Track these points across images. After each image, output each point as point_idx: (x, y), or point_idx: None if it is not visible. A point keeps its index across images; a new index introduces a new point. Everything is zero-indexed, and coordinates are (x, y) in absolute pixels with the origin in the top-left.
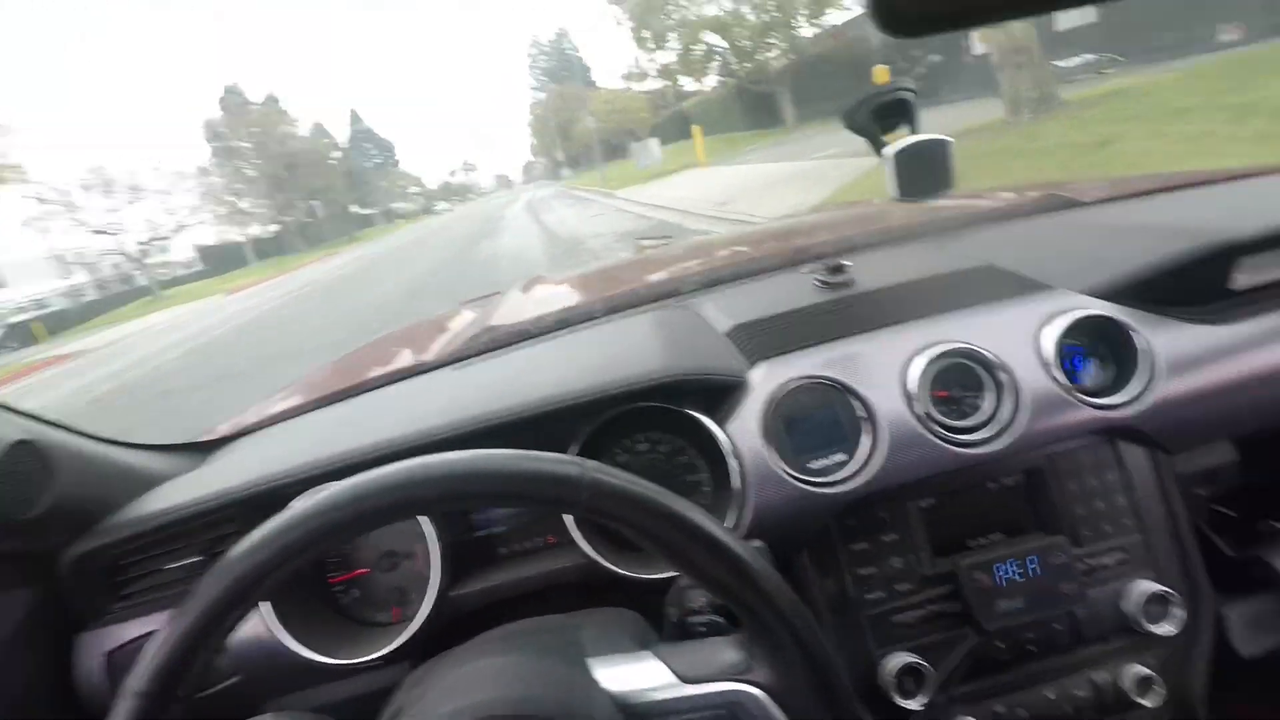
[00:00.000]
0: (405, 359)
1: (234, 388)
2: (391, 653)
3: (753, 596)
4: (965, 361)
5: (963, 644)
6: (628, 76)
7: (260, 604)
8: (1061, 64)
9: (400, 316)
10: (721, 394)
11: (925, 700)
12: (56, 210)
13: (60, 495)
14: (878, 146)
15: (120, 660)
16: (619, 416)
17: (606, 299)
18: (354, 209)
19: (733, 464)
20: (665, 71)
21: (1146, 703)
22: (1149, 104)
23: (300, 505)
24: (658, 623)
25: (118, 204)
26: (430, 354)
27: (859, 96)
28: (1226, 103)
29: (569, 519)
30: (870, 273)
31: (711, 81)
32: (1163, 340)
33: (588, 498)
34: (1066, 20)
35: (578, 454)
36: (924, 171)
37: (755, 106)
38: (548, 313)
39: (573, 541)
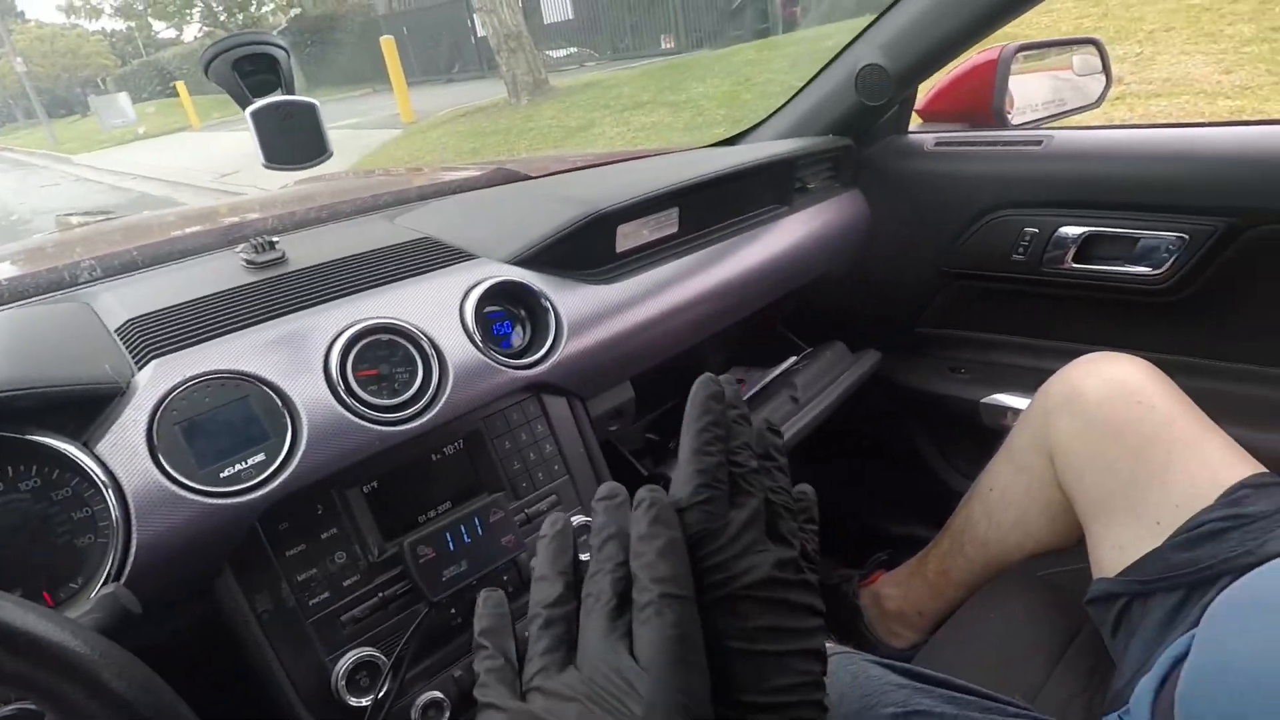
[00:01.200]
0: None
1: None
2: None
3: (52, 678)
4: (392, 337)
5: (413, 622)
6: (71, 10)
7: None
8: (552, 53)
9: None
10: (94, 408)
11: (382, 691)
12: None
13: None
14: (243, 104)
15: None
16: None
17: None
18: None
19: (108, 494)
20: (128, 10)
21: None
22: (616, 94)
23: None
24: None
25: None
26: None
27: (213, 45)
28: (668, 99)
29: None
30: (305, 250)
31: (194, 31)
32: (566, 301)
33: None
34: (550, 15)
35: None
36: (292, 135)
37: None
38: None
39: None
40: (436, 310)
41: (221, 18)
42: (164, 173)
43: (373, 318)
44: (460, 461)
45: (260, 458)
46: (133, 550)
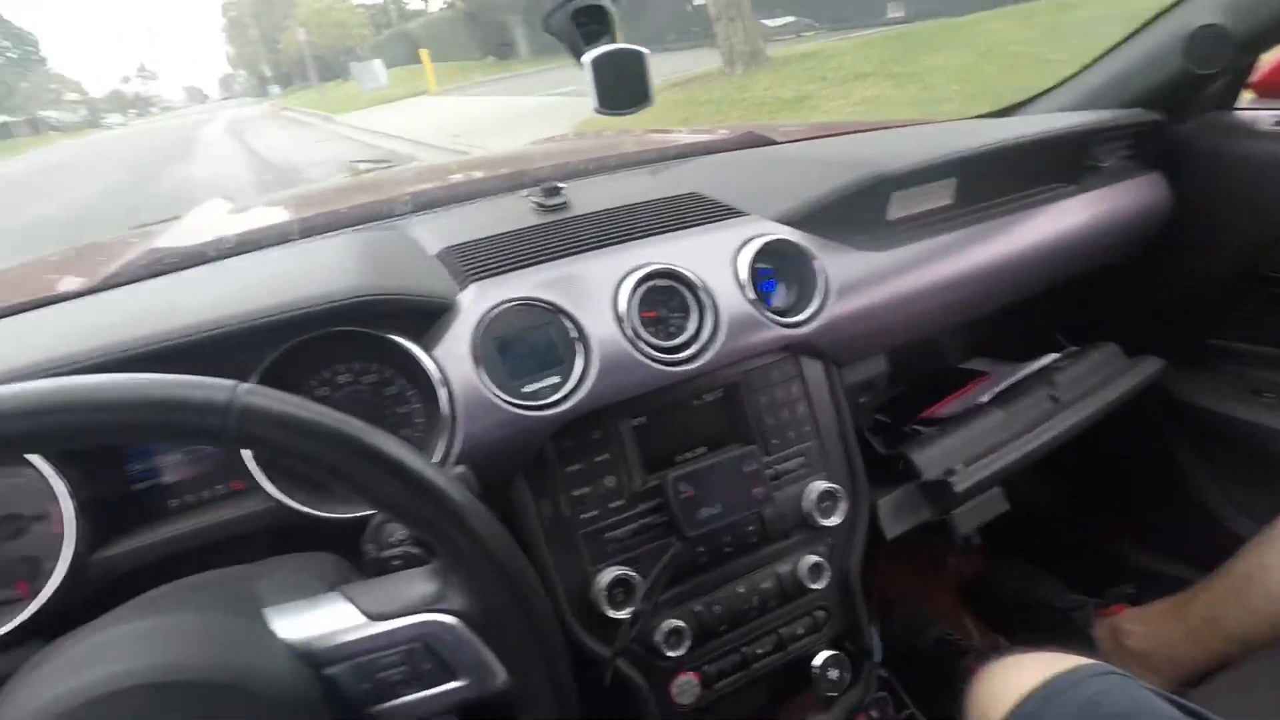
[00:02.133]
0: (53, 283)
1: None
2: (11, 632)
3: (443, 520)
4: (671, 283)
5: (667, 553)
6: None
7: None
8: (769, 23)
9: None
10: (429, 318)
11: (633, 609)
12: None
13: None
14: (577, 53)
15: None
16: (311, 344)
17: (303, 220)
18: None
19: (441, 391)
20: None
21: (817, 585)
22: (835, 65)
23: None
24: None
25: None
26: (85, 279)
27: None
28: (893, 71)
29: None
30: (585, 197)
31: (438, 2)
32: (834, 265)
33: (238, 425)
34: None
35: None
36: (622, 82)
37: (487, 35)
38: (229, 234)
39: (256, 487)
40: (712, 261)
41: None
42: (406, 132)
43: (655, 263)
44: (718, 410)
45: (555, 379)
46: (457, 444)
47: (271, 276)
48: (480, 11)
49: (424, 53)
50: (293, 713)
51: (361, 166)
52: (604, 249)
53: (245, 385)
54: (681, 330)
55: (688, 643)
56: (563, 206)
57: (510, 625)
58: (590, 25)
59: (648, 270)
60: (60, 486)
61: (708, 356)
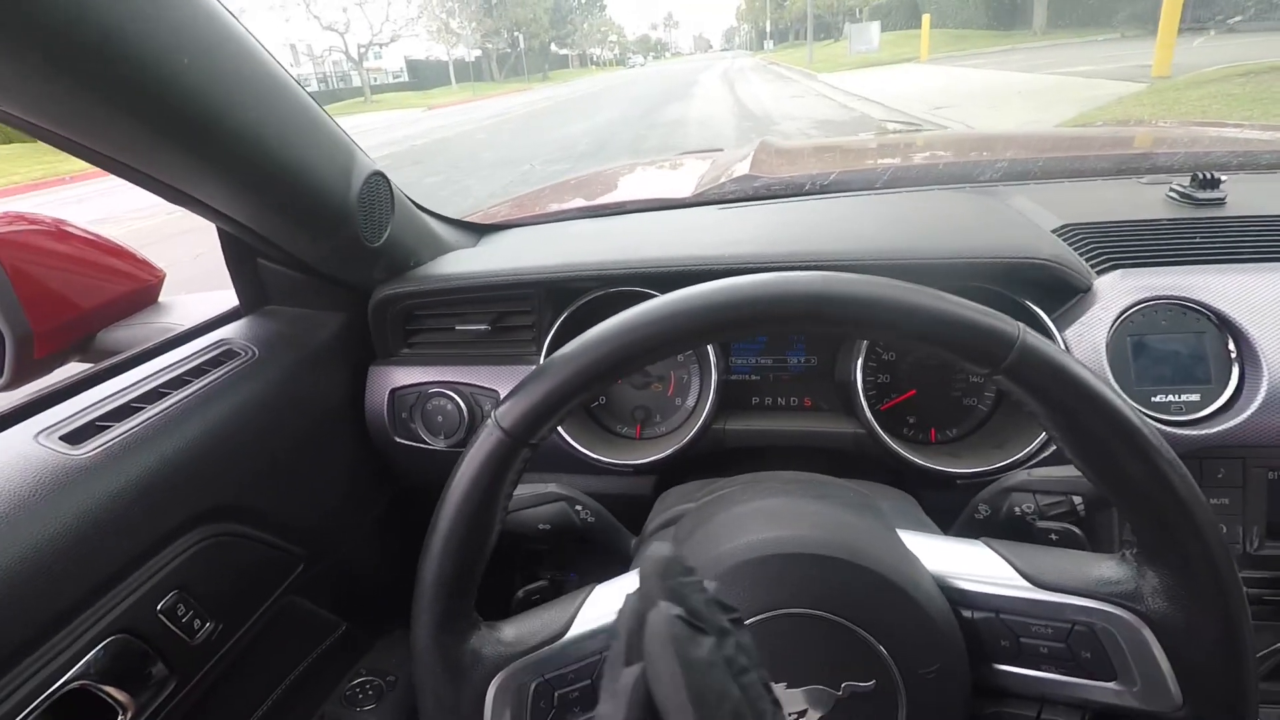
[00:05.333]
0: (652, 191)
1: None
2: (651, 463)
3: (1175, 515)
4: None
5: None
6: None
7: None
8: None
9: (586, 161)
10: (1067, 295)
11: None
12: (296, 1)
13: (392, 234)
14: None
15: (400, 398)
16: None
17: (888, 169)
18: (553, 48)
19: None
20: None
21: None
22: None
23: (698, 292)
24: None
25: (348, 3)
26: (682, 191)
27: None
28: None
29: (859, 390)
30: (1248, 197)
31: None
32: None
33: (1014, 359)
34: None
35: None
36: None
37: (1001, 1)
38: (819, 172)
39: (829, 410)
40: None
41: None
42: (884, 98)
43: None
44: None
45: (1195, 397)
46: None
47: (917, 219)
48: None
49: (926, 17)
50: (933, 632)
51: (890, 126)
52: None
53: (1024, 326)
54: None
55: None
56: (1218, 203)
57: (1208, 651)
58: None
59: None
60: (714, 360)
61: None
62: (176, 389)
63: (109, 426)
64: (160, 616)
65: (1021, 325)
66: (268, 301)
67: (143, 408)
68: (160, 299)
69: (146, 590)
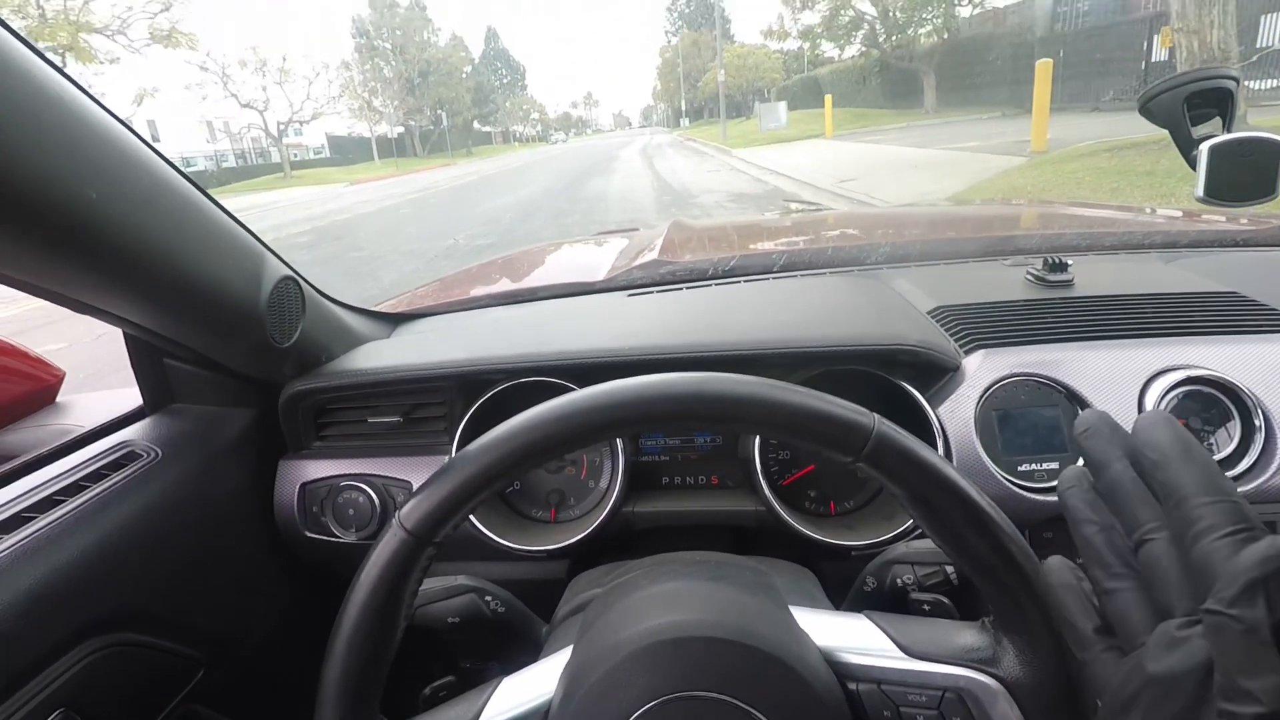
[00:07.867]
0: (566, 275)
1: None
2: (562, 548)
3: (1020, 587)
4: (1213, 392)
5: None
6: (767, 33)
7: None
8: (1253, 84)
9: (511, 234)
10: (937, 375)
11: None
12: (214, 80)
13: (304, 332)
14: (1181, 140)
15: (311, 491)
16: (825, 375)
17: (784, 253)
18: (476, 125)
19: (940, 448)
20: (807, 33)
21: None
22: None
23: (592, 394)
24: (825, 588)
25: (267, 83)
26: (595, 276)
27: (1164, 81)
28: None
29: (759, 469)
30: (1092, 277)
31: (853, 51)
32: None
33: (871, 448)
34: (1268, 38)
35: None
36: (1241, 172)
37: (894, 84)
38: (721, 257)
39: (735, 487)
40: (1269, 378)
41: (880, 38)
42: (794, 171)
43: (1202, 368)
44: None
45: (1054, 465)
46: None
47: (794, 307)
48: (891, 60)
49: (828, 98)
50: (821, 706)
51: (793, 207)
52: (1125, 340)
53: (878, 416)
54: (1214, 447)
55: None
56: (1066, 284)
57: (1058, 710)
58: (1204, 109)
59: (1191, 374)
60: (621, 445)
61: (1254, 484)
62: (72, 495)
63: None
64: None
65: (877, 416)
66: (174, 399)
67: (34, 517)
68: (59, 398)
69: (29, 710)
